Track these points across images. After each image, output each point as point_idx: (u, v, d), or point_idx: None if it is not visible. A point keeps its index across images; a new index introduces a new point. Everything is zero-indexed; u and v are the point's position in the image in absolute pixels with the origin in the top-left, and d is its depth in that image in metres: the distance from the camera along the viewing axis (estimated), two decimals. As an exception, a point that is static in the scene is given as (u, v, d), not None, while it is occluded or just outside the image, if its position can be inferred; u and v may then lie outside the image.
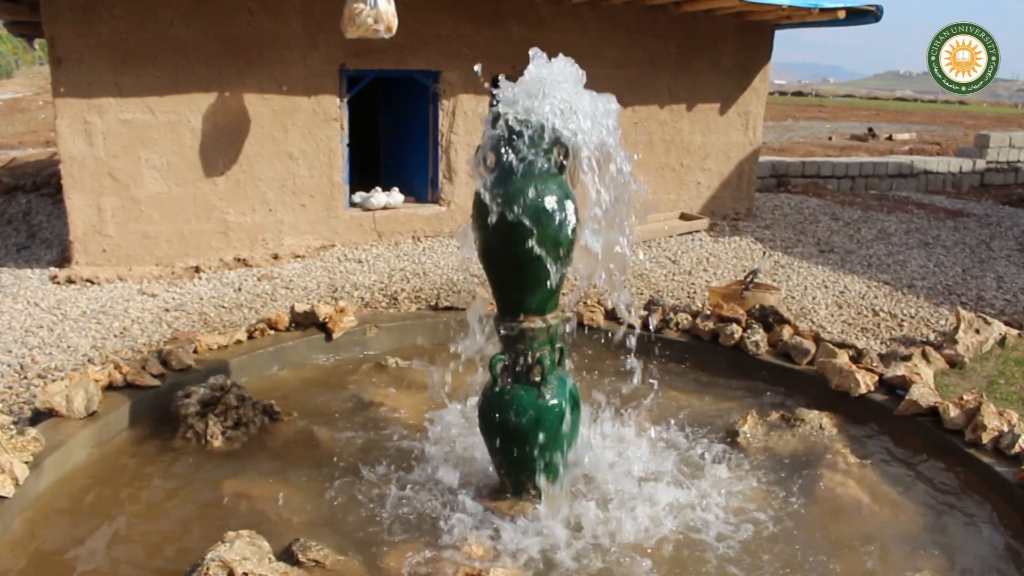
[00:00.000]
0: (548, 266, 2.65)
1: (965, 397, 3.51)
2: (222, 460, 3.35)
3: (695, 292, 6.10)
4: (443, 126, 7.36)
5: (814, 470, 3.34)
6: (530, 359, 2.82)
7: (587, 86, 2.68)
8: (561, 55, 2.70)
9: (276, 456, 3.40)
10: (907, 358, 4.24)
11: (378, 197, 7.30)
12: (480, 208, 2.65)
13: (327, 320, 4.47)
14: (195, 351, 4.07)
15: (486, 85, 7.07)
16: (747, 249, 7.54)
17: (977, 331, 4.76)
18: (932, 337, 5.19)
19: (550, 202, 2.59)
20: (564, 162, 2.62)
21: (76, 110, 5.91)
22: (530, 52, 2.69)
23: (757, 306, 4.75)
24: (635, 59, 7.96)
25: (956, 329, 4.76)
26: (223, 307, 5.46)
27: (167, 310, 5.36)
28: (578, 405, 2.95)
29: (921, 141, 17.62)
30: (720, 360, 4.42)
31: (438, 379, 3.80)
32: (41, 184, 9.07)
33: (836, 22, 8.21)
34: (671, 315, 4.74)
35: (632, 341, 3.32)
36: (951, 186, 12.39)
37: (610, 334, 4.47)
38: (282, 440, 3.54)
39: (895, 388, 3.84)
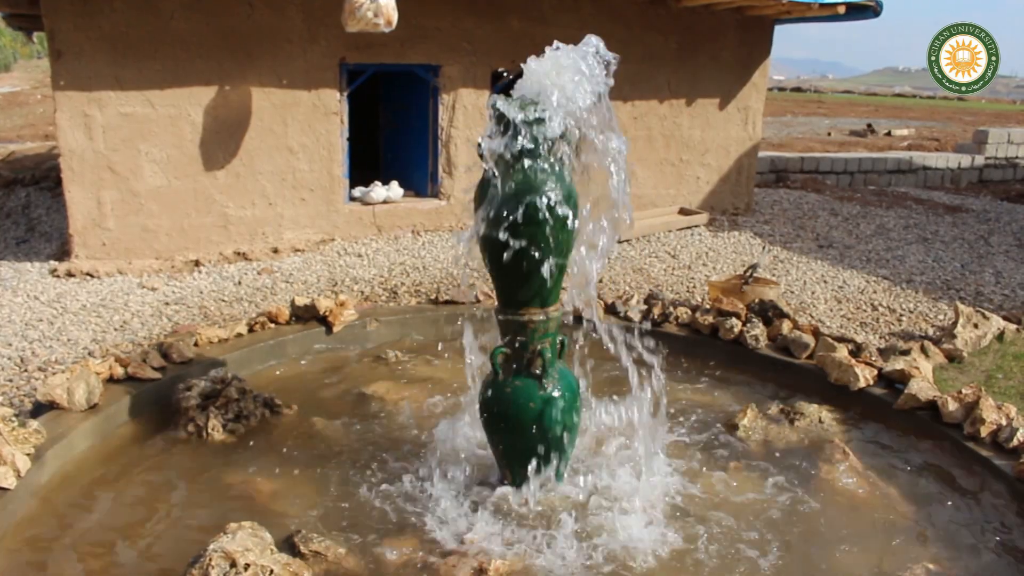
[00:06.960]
0: (549, 258, 2.65)
1: (964, 391, 3.53)
2: (223, 452, 3.37)
3: (694, 286, 6.11)
4: (443, 120, 7.36)
5: (813, 463, 3.35)
6: (531, 351, 2.83)
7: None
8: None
9: (277, 448, 3.41)
10: (906, 352, 4.25)
11: (378, 191, 7.30)
12: (482, 199, 2.66)
13: (327, 314, 4.48)
14: (196, 344, 4.08)
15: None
16: (746, 244, 7.55)
17: (976, 326, 4.77)
18: (931, 332, 5.20)
19: (552, 194, 2.60)
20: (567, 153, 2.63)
21: (76, 103, 5.91)
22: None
23: (756, 300, 4.76)
24: (635, 54, 7.96)
25: (955, 324, 4.77)
26: (223, 301, 5.46)
27: (167, 304, 5.36)
28: (578, 397, 2.96)
29: (920, 137, 17.63)
30: (720, 354, 4.43)
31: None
32: (40, 178, 9.06)
33: (836, 17, 8.23)
34: (671, 309, 4.75)
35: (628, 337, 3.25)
36: (950, 182, 12.40)
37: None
38: (283, 433, 3.55)
39: (894, 382, 3.85)
